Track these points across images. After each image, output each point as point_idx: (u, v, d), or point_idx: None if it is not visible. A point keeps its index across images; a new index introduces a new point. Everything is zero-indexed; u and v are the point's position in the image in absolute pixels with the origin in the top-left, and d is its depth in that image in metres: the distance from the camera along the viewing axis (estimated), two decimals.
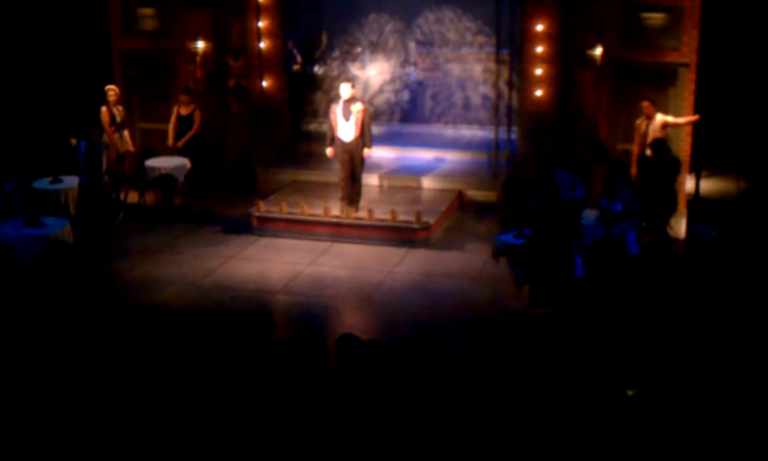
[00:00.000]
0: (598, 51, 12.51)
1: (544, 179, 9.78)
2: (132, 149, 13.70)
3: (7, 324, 9.46)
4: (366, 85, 15.12)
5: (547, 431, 7.32)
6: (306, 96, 15.46)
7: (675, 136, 12.28)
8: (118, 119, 13.33)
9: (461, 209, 13.10)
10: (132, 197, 13.53)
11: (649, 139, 11.63)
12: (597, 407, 7.62)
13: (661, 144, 11.36)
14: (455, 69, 15.54)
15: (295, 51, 16.25)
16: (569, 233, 8.99)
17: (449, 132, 15.38)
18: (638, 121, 11.88)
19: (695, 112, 12.04)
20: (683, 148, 12.38)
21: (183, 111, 13.61)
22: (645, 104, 11.74)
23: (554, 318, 9.08)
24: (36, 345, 9.06)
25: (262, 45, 14.32)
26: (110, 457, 7.18)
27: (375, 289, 10.48)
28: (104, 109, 13.23)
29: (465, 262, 10.99)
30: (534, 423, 7.45)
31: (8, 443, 7.30)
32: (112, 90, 13.35)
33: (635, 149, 11.91)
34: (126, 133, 13.58)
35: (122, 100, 13.70)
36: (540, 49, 12.98)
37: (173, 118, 13.60)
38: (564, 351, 8.67)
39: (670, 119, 11.79)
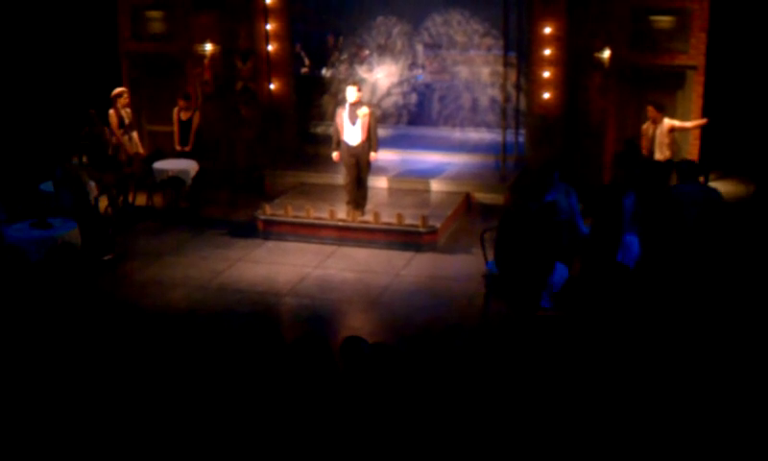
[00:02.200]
0: (606, 54, 12.49)
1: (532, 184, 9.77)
2: (141, 151, 13.77)
3: (15, 324, 9.49)
4: (373, 88, 15.15)
5: (552, 434, 7.32)
6: (314, 99, 15.50)
7: (683, 140, 12.26)
8: (126, 121, 13.39)
9: (468, 212, 13.10)
10: (141, 199, 13.58)
11: (656, 144, 11.63)
12: (598, 410, 7.62)
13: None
14: (463, 72, 15.55)
15: (303, 54, 16.28)
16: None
17: (457, 134, 15.38)
18: (645, 126, 11.85)
19: (703, 115, 12.01)
20: (690, 151, 12.36)
21: (183, 116, 13.69)
22: (650, 108, 11.72)
23: (560, 321, 9.08)
24: (43, 346, 9.09)
25: (270, 48, 14.35)
26: (116, 458, 7.20)
27: (382, 292, 10.49)
28: (111, 111, 13.30)
29: (471, 266, 10.97)
30: (539, 425, 7.45)
31: (13, 444, 7.33)
32: (126, 93, 13.42)
33: (642, 153, 11.89)
34: (135, 135, 13.65)
35: (130, 102, 13.76)
36: (547, 52, 12.96)
37: (174, 121, 13.69)
38: (569, 354, 8.67)
39: (677, 123, 11.77)
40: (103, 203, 12.66)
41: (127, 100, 13.40)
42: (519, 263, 8.73)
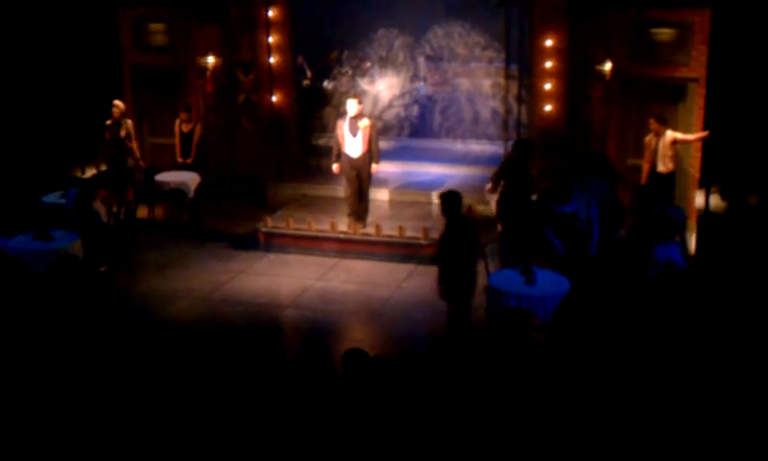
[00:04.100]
0: (607, 66, 12.49)
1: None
2: (141, 163, 13.76)
3: (17, 336, 9.49)
4: (375, 100, 15.19)
5: (554, 442, 7.30)
6: (316, 111, 15.53)
7: (685, 152, 12.26)
8: (123, 133, 13.37)
9: None
10: (142, 212, 13.58)
11: (659, 156, 11.62)
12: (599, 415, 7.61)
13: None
14: (464, 84, 15.58)
15: (305, 66, 16.31)
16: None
17: (458, 146, 15.41)
18: (648, 138, 11.84)
19: (705, 128, 12.01)
20: (692, 164, 12.35)
21: (185, 128, 13.71)
22: (652, 121, 11.73)
23: (560, 332, 9.07)
24: (45, 358, 9.08)
25: (272, 60, 14.38)
26: None
27: (383, 304, 10.48)
28: (108, 123, 13.32)
29: None
30: (541, 435, 7.43)
31: (15, 452, 7.32)
32: (116, 107, 13.40)
33: (645, 165, 11.88)
34: (135, 146, 13.64)
35: (132, 114, 13.77)
36: (549, 64, 12.96)
37: (176, 133, 13.71)
38: (570, 366, 8.65)
39: (679, 136, 11.76)
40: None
41: (119, 113, 13.37)
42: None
